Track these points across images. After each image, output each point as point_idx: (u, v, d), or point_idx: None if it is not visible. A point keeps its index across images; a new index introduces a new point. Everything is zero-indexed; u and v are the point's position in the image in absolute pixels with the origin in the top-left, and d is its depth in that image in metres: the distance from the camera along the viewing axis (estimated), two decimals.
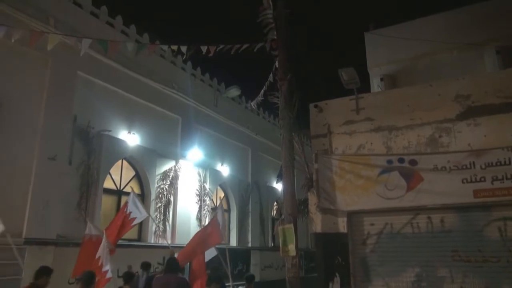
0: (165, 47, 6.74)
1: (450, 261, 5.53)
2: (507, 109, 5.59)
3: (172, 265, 5.80)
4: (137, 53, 6.82)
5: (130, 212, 7.79)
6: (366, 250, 6.05)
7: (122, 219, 7.70)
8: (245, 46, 6.86)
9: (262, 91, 7.26)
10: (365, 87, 8.71)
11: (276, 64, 6.86)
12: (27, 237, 7.79)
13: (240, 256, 13.65)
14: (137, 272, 8.41)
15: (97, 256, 6.45)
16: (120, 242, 9.97)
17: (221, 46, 6.78)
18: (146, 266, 8.40)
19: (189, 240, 8.00)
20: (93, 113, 9.71)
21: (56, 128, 8.64)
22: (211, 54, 6.72)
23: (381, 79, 9.87)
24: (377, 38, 9.65)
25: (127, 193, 10.69)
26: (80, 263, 7.00)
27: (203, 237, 7.17)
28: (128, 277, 6.71)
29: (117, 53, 8.35)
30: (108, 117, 10.14)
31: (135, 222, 7.87)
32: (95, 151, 9.51)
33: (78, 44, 6.51)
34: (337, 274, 5.99)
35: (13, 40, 5.79)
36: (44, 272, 5.60)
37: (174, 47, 6.59)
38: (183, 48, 6.65)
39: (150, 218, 10.83)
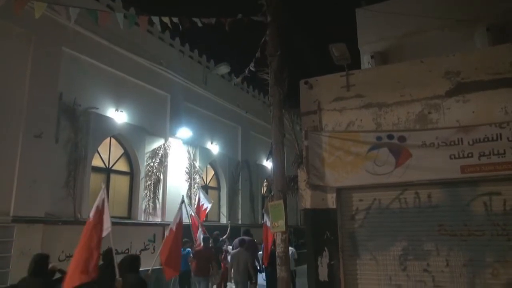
0: (154, 20, 6.45)
1: (436, 235, 5.63)
2: (496, 86, 5.60)
3: (246, 232, 10.30)
4: (130, 27, 6.57)
5: (203, 204, 11.14)
6: (355, 225, 6.12)
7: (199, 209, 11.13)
8: (239, 16, 6.65)
9: (251, 65, 7.10)
10: (356, 64, 8.66)
11: (266, 38, 6.73)
12: (14, 215, 7.74)
13: (231, 233, 13.78)
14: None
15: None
16: (111, 220, 10.01)
17: (214, 19, 6.57)
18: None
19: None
20: (80, 90, 9.51)
21: (41, 106, 8.46)
22: (212, 22, 6.49)
23: (372, 56, 9.79)
24: (368, 14, 9.52)
25: (116, 171, 10.66)
26: None
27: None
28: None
29: (104, 28, 8.10)
30: (95, 94, 9.96)
31: (207, 209, 11.42)
32: (82, 129, 9.37)
33: (64, 14, 6.21)
34: (326, 249, 6.08)
35: None
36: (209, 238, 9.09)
37: (166, 20, 6.34)
38: (175, 21, 6.42)
39: (140, 196, 10.88)
